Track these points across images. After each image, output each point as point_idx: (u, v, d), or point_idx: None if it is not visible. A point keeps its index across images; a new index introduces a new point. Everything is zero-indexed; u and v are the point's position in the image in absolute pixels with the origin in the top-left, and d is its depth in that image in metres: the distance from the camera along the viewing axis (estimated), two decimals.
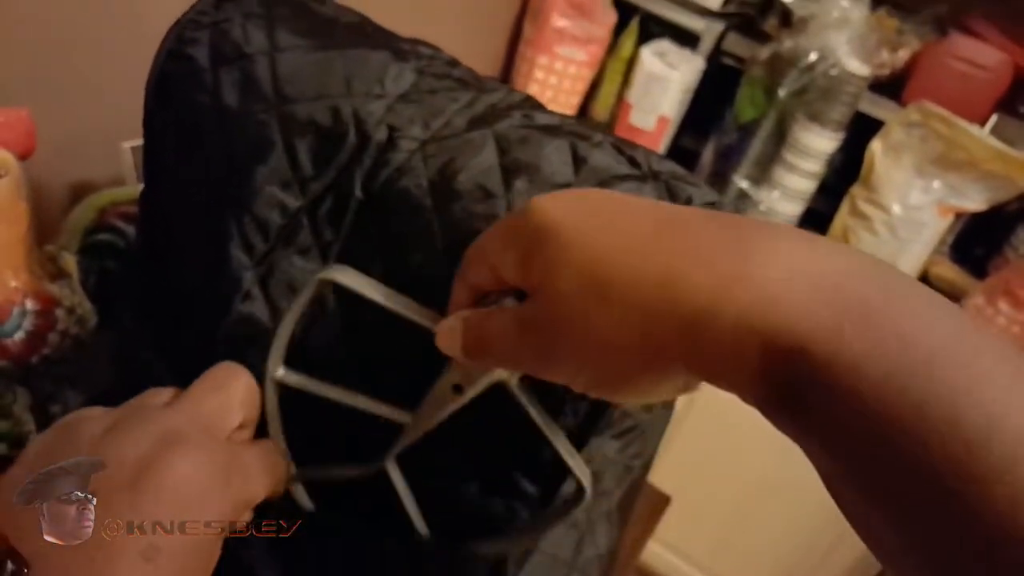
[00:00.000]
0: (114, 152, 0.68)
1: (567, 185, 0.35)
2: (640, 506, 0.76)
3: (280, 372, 0.38)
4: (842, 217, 1.31)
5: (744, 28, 1.38)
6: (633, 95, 1.35)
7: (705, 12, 1.36)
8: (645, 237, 0.25)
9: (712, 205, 0.35)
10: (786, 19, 1.30)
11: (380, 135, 0.37)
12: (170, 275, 0.44)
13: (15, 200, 0.51)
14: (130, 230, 0.62)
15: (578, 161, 0.35)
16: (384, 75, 0.38)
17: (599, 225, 0.27)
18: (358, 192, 0.37)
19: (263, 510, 0.36)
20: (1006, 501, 0.19)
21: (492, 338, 0.30)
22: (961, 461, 0.19)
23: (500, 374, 0.34)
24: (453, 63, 0.41)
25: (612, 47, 1.39)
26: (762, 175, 1.29)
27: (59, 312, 0.55)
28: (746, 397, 0.24)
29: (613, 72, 1.39)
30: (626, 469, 0.45)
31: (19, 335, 0.52)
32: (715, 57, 1.37)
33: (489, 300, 0.32)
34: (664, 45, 1.35)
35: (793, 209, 1.31)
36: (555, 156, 0.35)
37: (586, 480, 0.36)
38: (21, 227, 0.52)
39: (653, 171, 0.35)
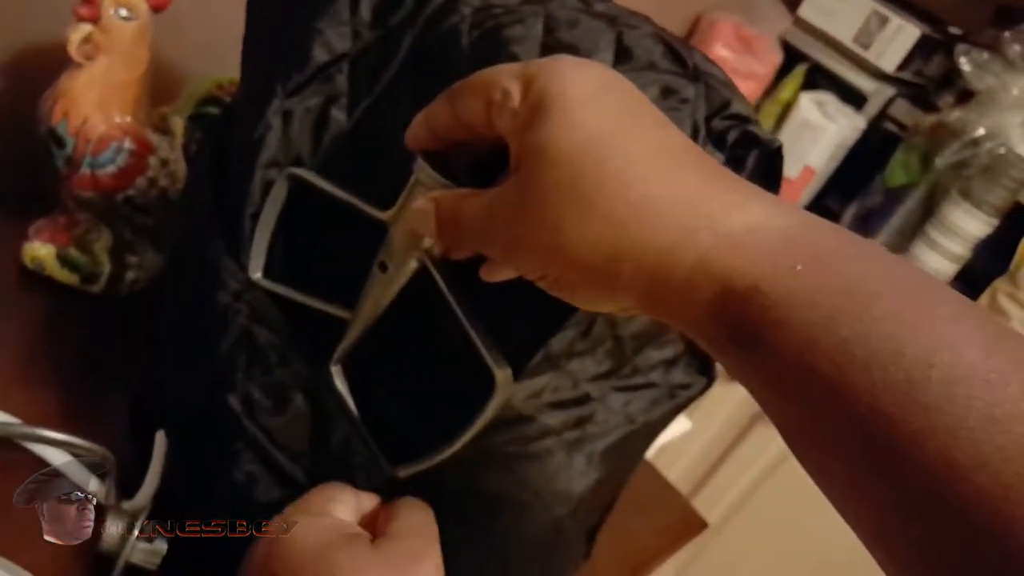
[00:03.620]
0: None
1: None
2: (674, 520, 0.72)
3: (258, 275, 0.39)
4: None
5: (915, 97, 1.30)
6: (782, 138, 1.30)
7: (878, 74, 1.30)
8: (640, 161, 0.26)
9: (746, 119, 0.33)
10: (962, 98, 1.21)
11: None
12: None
13: (138, 45, 0.55)
14: None
15: (622, 51, 0.34)
16: None
17: (611, 126, 0.26)
18: (404, 51, 0.37)
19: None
20: (946, 433, 0.19)
21: (465, 221, 0.30)
22: (902, 391, 0.20)
23: (421, 250, 0.34)
24: None
25: (772, 88, 1.35)
26: (900, 247, 1.20)
27: (152, 160, 0.59)
28: (695, 335, 0.26)
29: (767, 113, 1.35)
30: (626, 420, 0.43)
31: (111, 168, 0.57)
32: (878, 121, 1.31)
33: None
34: (825, 96, 1.30)
35: None
36: (599, 43, 0.34)
37: (501, 374, 0.34)
38: (138, 72, 0.56)
39: (697, 71, 0.33)
